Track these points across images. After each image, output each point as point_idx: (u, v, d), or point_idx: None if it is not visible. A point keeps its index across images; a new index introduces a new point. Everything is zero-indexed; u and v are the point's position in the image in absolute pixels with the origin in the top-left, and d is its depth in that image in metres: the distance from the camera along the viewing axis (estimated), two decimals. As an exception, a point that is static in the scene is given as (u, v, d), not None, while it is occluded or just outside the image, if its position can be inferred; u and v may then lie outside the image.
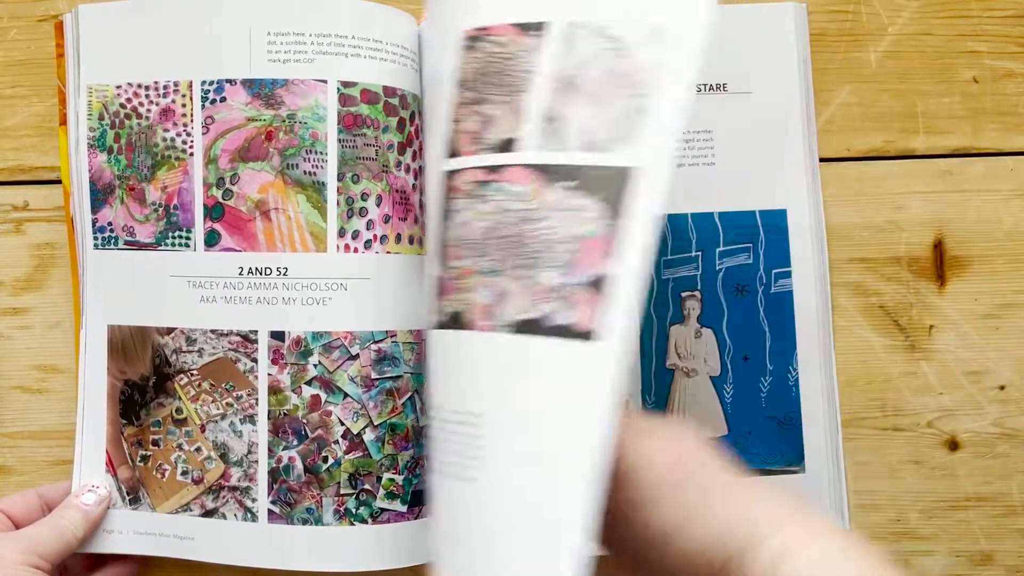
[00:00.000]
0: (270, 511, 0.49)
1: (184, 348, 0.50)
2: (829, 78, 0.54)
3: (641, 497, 0.35)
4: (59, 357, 0.54)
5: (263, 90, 0.49)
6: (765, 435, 0.51)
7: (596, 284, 0.35)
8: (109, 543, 0.50)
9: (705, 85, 0.52)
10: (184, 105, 0.49)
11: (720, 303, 0.51)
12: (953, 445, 0.53)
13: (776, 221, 0.51)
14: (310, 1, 0.49)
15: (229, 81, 0.49)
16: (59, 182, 0.52)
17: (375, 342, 0.49)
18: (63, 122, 0.51)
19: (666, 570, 0.35)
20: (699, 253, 0.51)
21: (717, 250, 0.51)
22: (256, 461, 0.49)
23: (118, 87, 0.50)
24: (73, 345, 0.52)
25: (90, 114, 0.50)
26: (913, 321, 0.53)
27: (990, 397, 0.53)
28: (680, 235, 0.51)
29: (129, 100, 0.50)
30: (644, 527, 0.35)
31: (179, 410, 0.50)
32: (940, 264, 0.54)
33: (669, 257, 0.51)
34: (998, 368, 0.53)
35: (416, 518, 0.49)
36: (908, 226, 0.54)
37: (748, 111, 0.52)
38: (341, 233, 0.48)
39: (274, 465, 0.49)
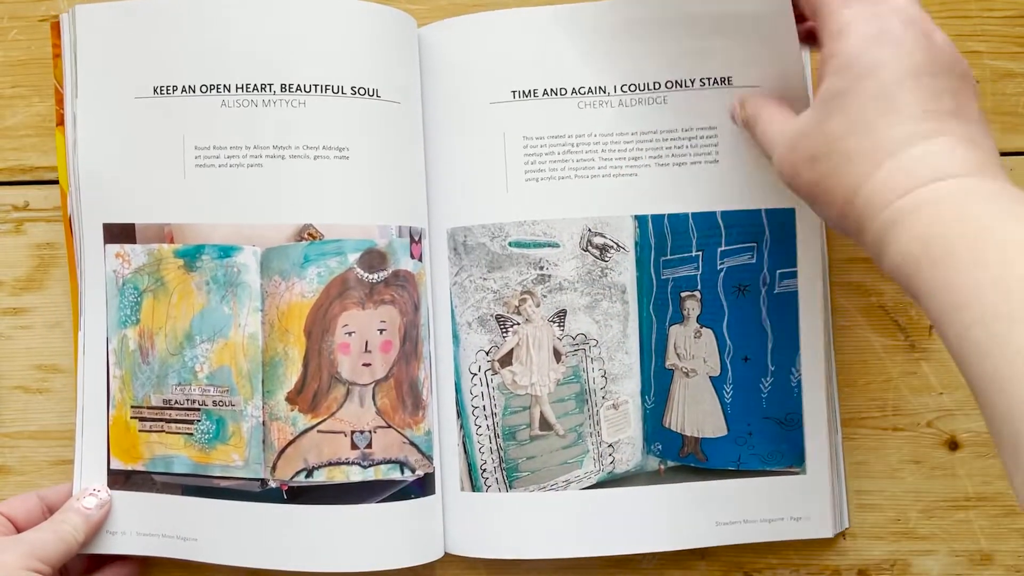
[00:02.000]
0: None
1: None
2: (829, 78, 0.54)
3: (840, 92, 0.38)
4: (59, 357, 0.54)
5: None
6: (765, 436, 0.51)
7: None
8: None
9: (709, 79, 0.50)
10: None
11: (721, 303, 0.51)
12: (953, 445, 0.53)
13: (784, 220, 0.51)
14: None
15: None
16: (59, 182, 0.52)
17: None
18: (60, 122, 0.51)
19: (807, 181, 0.40)
20: (700, 253, 0.51)
21: (719, 249, 0.51)
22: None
23: None
24: (73, 345, 0.52)
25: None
26: (913, 321, 0.53)
27: (990, 397, 0.53)
28: (680, 235, 0.51)
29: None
30: (797, 182, 0.40)
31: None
32: (940, 264, 0.53)
33: (668, 257, 0.51)
34: (998, 368, 0.53)
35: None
36: (908, 226, 0.54)
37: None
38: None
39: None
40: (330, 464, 0.49)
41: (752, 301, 0.51)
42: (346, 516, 0.49)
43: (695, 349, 0.51)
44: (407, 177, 0.51)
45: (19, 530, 0.48)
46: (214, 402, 0.50)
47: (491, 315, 0.51)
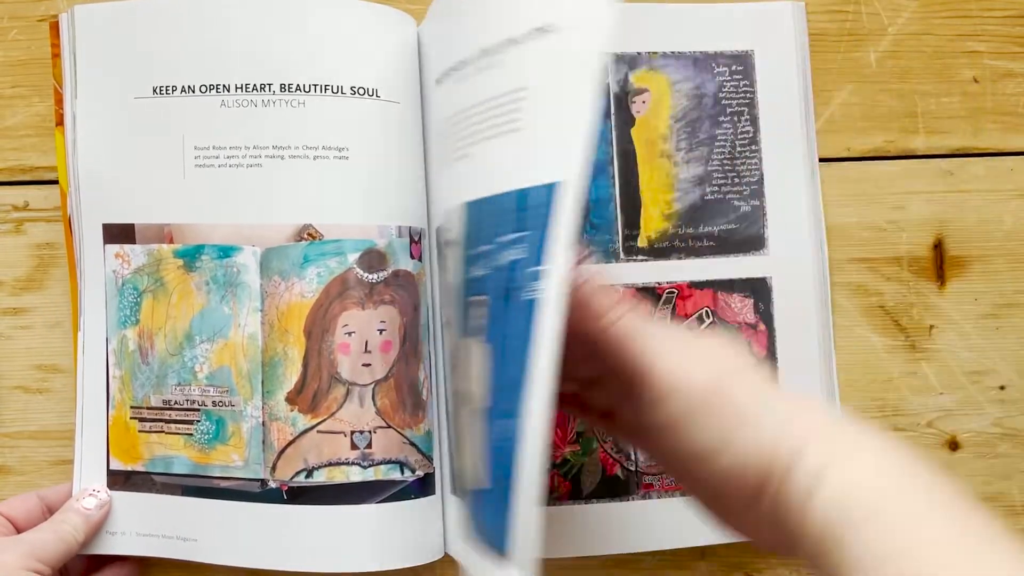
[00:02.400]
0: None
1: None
2: (829, 78, 0.54)
3: (677, 420, 0.34)
4: (59, 357, 0.54)
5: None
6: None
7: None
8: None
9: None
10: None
11: (494, 311, 0.37)
12: (953, 445, 0.53)
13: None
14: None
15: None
16: (59, 182, 0.52)
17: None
18: (60, 122, 0.51)
19: (705, 488, 0.36)
20: (489, 247, 0.37)
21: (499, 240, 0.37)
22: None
23: None
24: (73, 345, 0.52)
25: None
26: (913, 321, 0.53)
27: (990, 397, 0.53)
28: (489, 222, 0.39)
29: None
30: (682, 447, 0.35)
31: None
32: (940, 264, 0.54)
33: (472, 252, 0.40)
34: (998, 368, 0.53)
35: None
36: (908, 226, 0.54)
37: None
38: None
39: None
40: (330, 464, 0.49)
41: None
42: (346, 516, 0.49)
43: (472, 369, 0.39)
44: (407, 177, 0.51)
45: (19, 530, 0.48)
46: (214, 402, 0.50)
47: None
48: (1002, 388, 0.53)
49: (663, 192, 0.52)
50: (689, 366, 0.35)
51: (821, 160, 0.53)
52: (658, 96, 0.52)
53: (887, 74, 0.54)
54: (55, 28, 0.51)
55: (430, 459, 0.51)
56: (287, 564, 0.49)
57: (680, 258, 0.52)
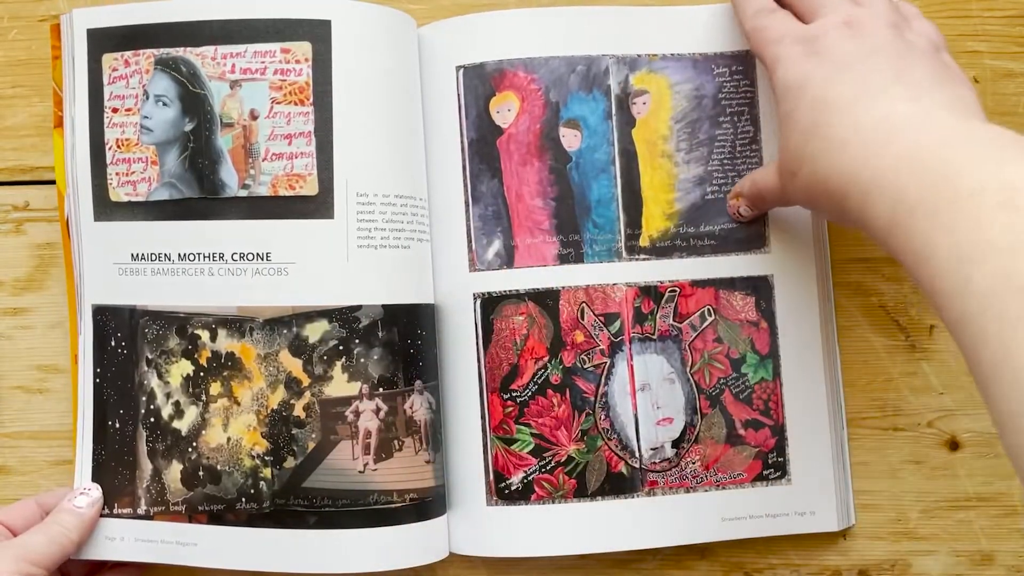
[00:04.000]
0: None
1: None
2: (829, 78, 0.54)
3: (788, 113, 0.43)
4: (59, 357, 0.54)
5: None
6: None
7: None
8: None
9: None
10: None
11: None
12: (954, 445, 0.53)
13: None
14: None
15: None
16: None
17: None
18: (58, 124, 0.51)
19: (800, 190, 0.43)
20: None
21: None
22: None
23: None
24: (72, 346, 0.52)
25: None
26: (914, 321, 0.53)
27: (991, 397, 0.53)
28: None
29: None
30: (785, 143, 0.43)
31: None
32: (940, 264, 0.53)
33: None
34: (999, 368, 0.53)
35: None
36: (908, 226, 0.54)
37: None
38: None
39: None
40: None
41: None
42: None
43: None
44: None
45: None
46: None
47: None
48: (1002, 388, 0.53)
49: (664, 192, 0.52)
50: (803, 63, 0.43)
51: (821, 160, 0.53)
52: (658, 98, 0.52)
53: (887, 74, 0.54)
54: (56, 30, 0.51)
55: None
56: (289, 566, 0.49)
57: (682, 257, 0.52)
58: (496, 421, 0.51)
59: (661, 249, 0.52)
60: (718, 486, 0.51)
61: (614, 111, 0.52)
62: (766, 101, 0.52)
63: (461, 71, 0.52)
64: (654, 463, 0.51)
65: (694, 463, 0.51)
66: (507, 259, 0.51)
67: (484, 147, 0.52)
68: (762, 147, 0.52)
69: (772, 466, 0.51)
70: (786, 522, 0.51)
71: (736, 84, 0.52)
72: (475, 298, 0.51)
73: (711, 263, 0.52)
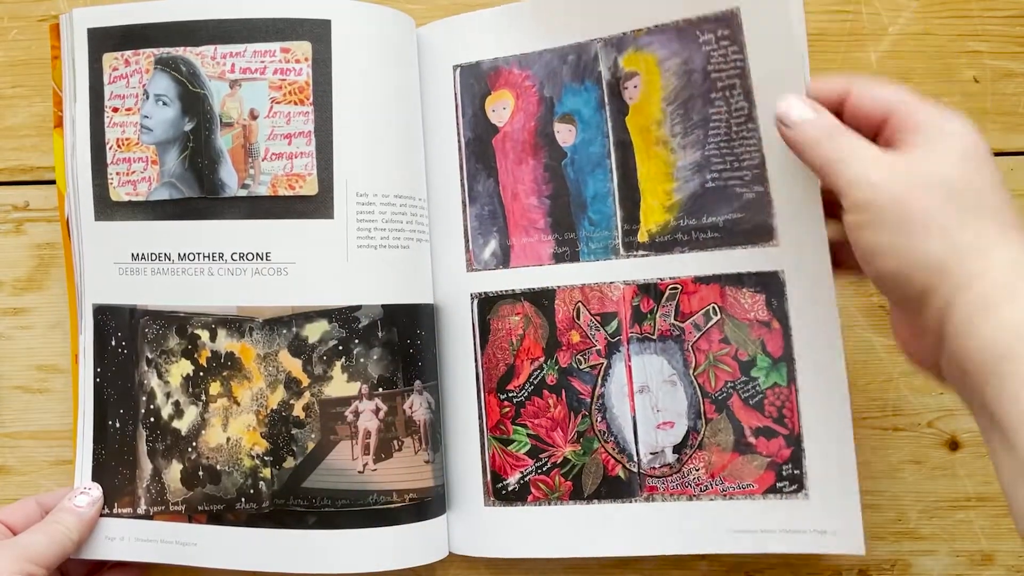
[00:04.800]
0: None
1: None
2: (829, 78, 0.54)
3: (860, 218, 0.39)
4: (59, 357, 0.54)
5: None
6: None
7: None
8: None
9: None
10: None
11: None
12: (954, 445, 0.53)
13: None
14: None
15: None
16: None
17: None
18: (58, 124, 0.51)
19: (878, 281, 0.40)
20: None
21: None
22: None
23: None
24: (72, 347, 0.52)
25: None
26: (913, 321, 0.53)
27: (991, 397, 0.53)
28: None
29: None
30: (862, 241, 0.39)
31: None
32: (940, 264, 0.53)
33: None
34: (999, 368, 0.53)
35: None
36: (908, 226, 0.54)
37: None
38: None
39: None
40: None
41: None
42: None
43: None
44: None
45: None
46: (214, 402, 0.50)
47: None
48: (1002, 388, 0.53)
49: (662, 183, 0.50)
50: (877, 174, 0.39)
51: (821, 160, 0.53)
52: (648, 78, 0.50)
53: (888, 74, 0.54)
54: (55, 30, 0.51)
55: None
56: (289, 566, 0.49)
57: (683, 251, 0.49)
58: (493, 421, 0.51)
59: (661, 244, 0.50)
60: (725, 495, 0.49)
61: (607, 99, 0.50)
62: (758, 67, 0.48)
63: (458, 70, 0.52)
64: (654, 468, 0.50)
65: (698, 470, 0.49)
66: (503, 259, 0.51)
67: (480, 146, 0.52)
68: (759, 126, 0.48)
69: (787, 478, 0.48)
70: (804, 540, 0.48)
71: (724, 53, 0.48)
72: (472, 298, 0.51)
73: (715, 257, 0.49)
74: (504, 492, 0.51)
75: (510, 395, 0.51)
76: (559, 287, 0.51)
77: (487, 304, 0.51)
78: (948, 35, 0.54)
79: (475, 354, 0.51)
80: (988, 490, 0.53)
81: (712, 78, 0.49)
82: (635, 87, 0.50)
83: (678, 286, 0.50)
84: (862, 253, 0.39)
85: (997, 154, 0.54)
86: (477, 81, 0.52)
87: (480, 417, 0.51)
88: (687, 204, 0.50)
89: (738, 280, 0.49)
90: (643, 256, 0.50)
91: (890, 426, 0.53)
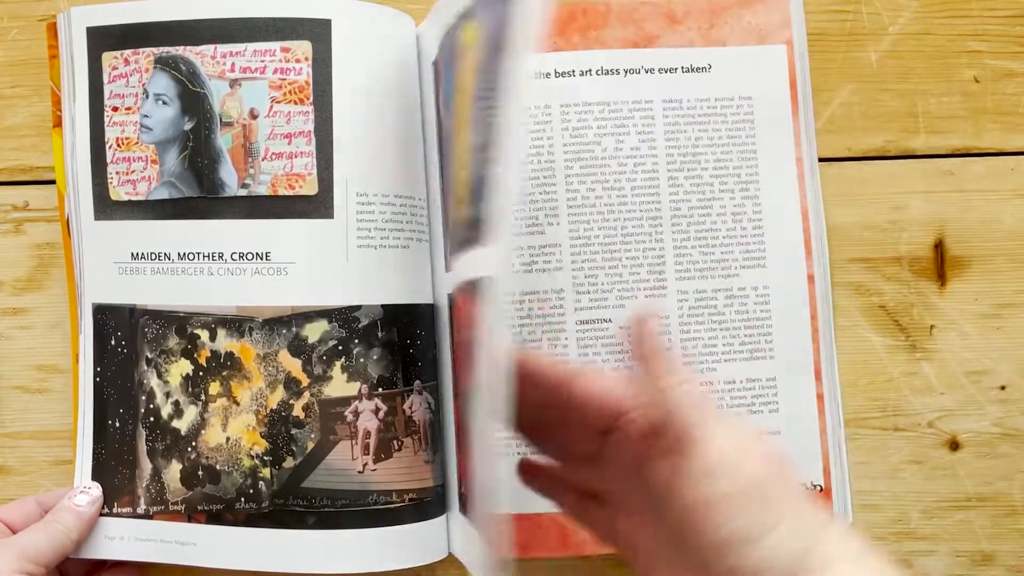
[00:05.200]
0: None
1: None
2: (829, 78, 0.54)
3: (720, 499, 0.34)
4: (59, 357, 0.54)
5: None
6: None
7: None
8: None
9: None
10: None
11: None
12: (954, 445, 0.53)
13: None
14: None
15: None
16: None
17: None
18: (57, 124, 0.51)
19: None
20: None
21: None
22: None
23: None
24: (72, 347, 0.52)
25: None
26: (914, 321, 0.53)
27: (991, 397, 0.53)
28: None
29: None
30: (717, 528, 0.34)
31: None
32: (941, 264, 0.53)
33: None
34: (999, 368, 0.53)
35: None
36: (909, 226, 0.54)
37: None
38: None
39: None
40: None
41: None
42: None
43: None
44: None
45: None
46: (214, 402, 0.50)
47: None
48: (1002, 388, 0.53)
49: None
50: (744, 453, 0.35)
51: (821, 160, 0.53)
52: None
53: (888, 74, 0.54)
54: (52, 29, 0.51)
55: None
56: (289, 566, 0.49)
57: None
58: None
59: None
60: None
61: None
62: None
63: None
64: None
65: None
66: None
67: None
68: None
69: None
70: None
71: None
72: (474, 298, 0.51)
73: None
74: None
75: None
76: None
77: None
78: (948, 35, 0.54)
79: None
80: (988, 490, 0.53)
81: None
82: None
83: None
84: (723, 538, 0.35)
85: (997, 154, 0.54)
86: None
87: (480, 417, 0.51)
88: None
89: None
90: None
91: (890, 426, 0.53)
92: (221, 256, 0.49)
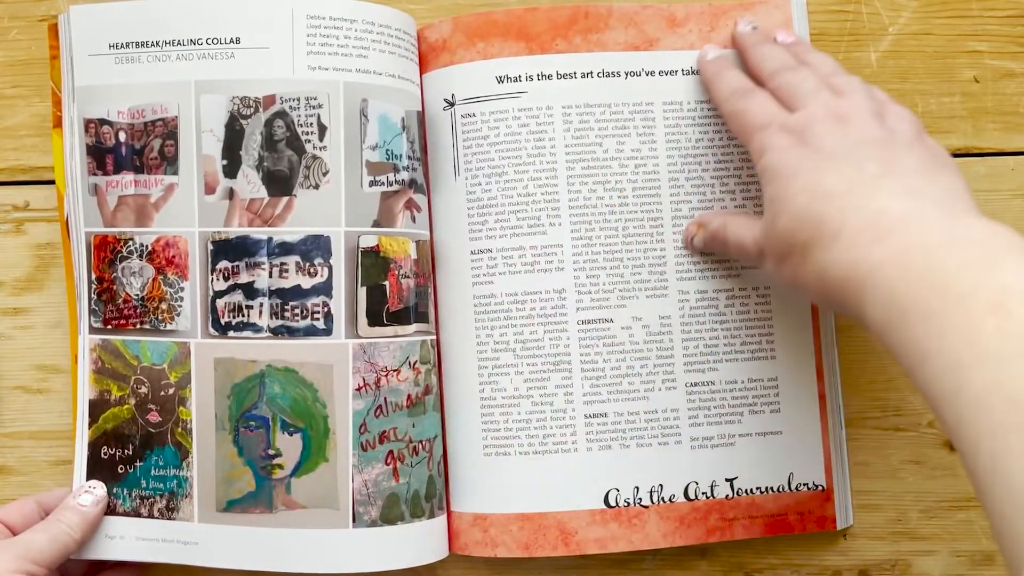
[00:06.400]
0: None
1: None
2: (830, 78, 0.54)
3: (775, 197, 0.42)
4: (59, 357, 0.54)
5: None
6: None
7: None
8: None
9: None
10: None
11: None
12: (953, 445, 0.53)
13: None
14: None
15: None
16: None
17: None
18: (57, 124, 0.51)
19: (790, 276, 0.42)
20: None
21: None
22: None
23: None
24: (71, 347, 0.52)
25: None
26: (914, 321, 0.53)
27: (991, 397, 0.53)
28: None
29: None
30: (772, 225, 0.42)
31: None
32: (941, 264, 0.53)
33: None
34: (999, 368, 0.53)
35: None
36: (909, 226, 0.54)
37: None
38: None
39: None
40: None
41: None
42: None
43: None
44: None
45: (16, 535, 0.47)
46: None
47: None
48: (1002, 388, 0.53)
49: None
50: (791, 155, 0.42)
51: (822, 160, 0.53)
52: None
53: (887, 74, 0.54)
54: (53, 29, 0.51)
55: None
56: (290, 566, 0.49)
57: None
58: None
59: None
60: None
61: None
62: None
63: None
64: None
65: None
66: None
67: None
68: None
69: None
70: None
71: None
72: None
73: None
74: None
75: None
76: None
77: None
78: (948, 35, 0.54)
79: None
80: (988, 490, 0.53)
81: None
82: None
83: None
84: (787, 284, 0.42)
85: (997, 154, 0.54)
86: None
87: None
88: None
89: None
90: None
91: (890, 426, 0.53)
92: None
